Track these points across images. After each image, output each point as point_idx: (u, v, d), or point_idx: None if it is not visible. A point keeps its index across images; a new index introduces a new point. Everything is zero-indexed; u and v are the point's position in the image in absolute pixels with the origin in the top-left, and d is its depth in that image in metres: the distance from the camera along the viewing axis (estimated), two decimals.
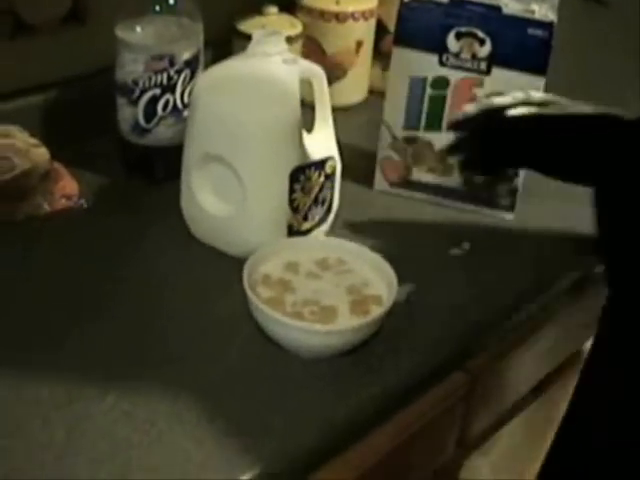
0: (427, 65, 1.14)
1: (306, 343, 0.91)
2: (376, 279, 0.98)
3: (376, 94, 1.42)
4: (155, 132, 1.15)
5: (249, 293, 0.91)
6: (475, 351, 1.04)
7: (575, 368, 1.35)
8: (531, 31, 1.09)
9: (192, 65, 1.13)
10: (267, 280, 0.96)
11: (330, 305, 0.93)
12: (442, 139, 1.17)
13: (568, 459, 1.02)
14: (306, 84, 1.04)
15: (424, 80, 1.15)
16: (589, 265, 1.20)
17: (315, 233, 1.08)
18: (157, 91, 1.12)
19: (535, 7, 1.12)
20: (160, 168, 1.17)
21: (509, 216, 1.20)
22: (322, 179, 1.05)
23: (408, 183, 1.22)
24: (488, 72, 1.13)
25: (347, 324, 0.92)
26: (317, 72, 1.05)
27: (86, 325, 0.95)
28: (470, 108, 1.05)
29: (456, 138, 1.06)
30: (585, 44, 1.40)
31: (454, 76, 1.14)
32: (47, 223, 1.10)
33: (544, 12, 1.11)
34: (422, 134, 1.18)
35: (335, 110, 1.11)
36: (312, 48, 1.36)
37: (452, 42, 1.12)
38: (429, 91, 1.15)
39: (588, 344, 1.35)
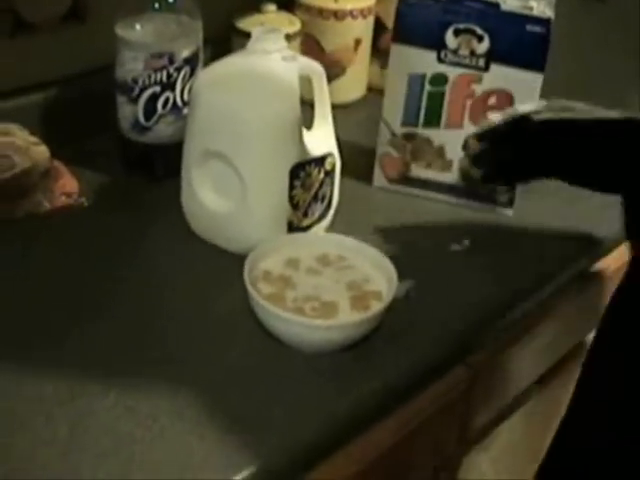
0: (425, 62, 1.14)
1: (307, 338, 0.92)
2: (376, 275, 0.98)
3: (374, 92, 1.43)
4: (155, 130, 1.15)
5: (250, 289, 0.92)
6: (475, 346, 1.05)
7: (575, 363, 1.36)
8: (529, 28, 1.10)
9: (191, 63, 1.14)
10: (268, 276, 0.96)
11: (331, 301, 0.94)
12: (441, 135, 1.18)
13: (567, 458, 1.03)
14: (305, 82, 1.05)
15: (423, 77, 1.15)
16: (587, 261, 1.21)
17: (315, 229, 1.09)
18: (157, 89, 1.13)
19: (533, 4, 1.13)
20: (160, 165, 1.17)
21: (508, 212, 1.21)
22: (322, 175, 1.06)
23: (407, 179, 1.22)
24: (486, 68, 1.13)
25: (348, 319, 0.92)
26: (316, 69, 1.06)
27: (86, 323, 0.95)
28: (495, 118, 1.06)
29: (482, 148, 1.07)
30: (582, 40, 1.40)
31: (452, 73, 1.14)
32: (47, 221, 1.10)
33: (542, 9, 1.12)
34: (421, 130, 1.18)
35: (334, 107, 1.11)
36: (310, 46, 1.37)
37: (450, 39, 1.12)
38: (428, 88, 1.16)
39: (588, 338, 1.36)
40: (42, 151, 1.11)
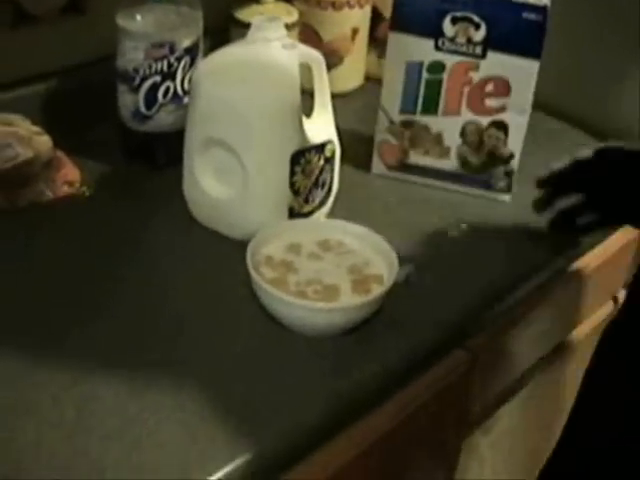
0: (423, 50, 1.15)
1: (310, 322, 0.93)
2: (377, 259, 0.99)
3: (372, 81, 1.43)
4: (156, 119, 1.16)
5: (253, 273, 0.93)
6: (474, 330, 1.06)
7: (574, 348, 1.37)
8: (525, 15, 1.10)
9: (192, 52, 1.14)
10: (270, 261, 0.97)
11: (332, 284, 0.95)
12: (438, 123, 1.19)
13: (570, 459, 1.04)
14: (304, 71, 1.05)
15: (420, 65, 1.16)
16: (585, 246, 1.22)
17: (316, 215, 1.09)
18: (157, 78, 1.13)
19: None
20: (161, 154, 1.18)
21: (506, 198, 1.22)
22: (322, 162, 1.07)
23: (405, 166, 1.23)
24: (483, 56, 1.14)
25: (350, 302, 0.93)
26: (316, 57, 1.06)
27: (90, 313, 0.95)
28: (556, 165, 1.09)
29: (546, 193, 1.10)
30: (577, 32, 1.41)
31: (450, 60, 1.15)
32: (49, 210, 1.10)
33: None
34: (419, 118, 1.19)
35: (332, 96, 1.11)
36: (308, 35, 1.37)
37: (448, 27, 1.13)
38: (425, 75, 1.16)
39: (587, 327, 1.37)
40: (45, 141, 1.12)
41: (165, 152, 1.17)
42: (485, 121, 1.17)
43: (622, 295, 1.43)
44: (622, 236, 1.30)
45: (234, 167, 1.02)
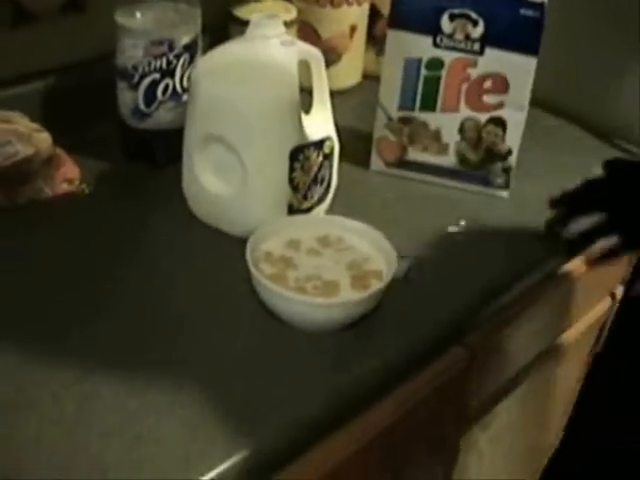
0: (421, 47, 1.15)
1: (309, 317, 0.93)
2: (376, 255, 1.00)
3: (370, 78, 1.43)
4: (155, 116, 1.16)
5: (252, 269, 0.93)
6: (473, 326, 1.06)
7: (572, 344, 1.37)
8: (523, 11, 1.11)
9: (191, 50, 1.15)
10: (269, 257, 0.97)
11: (332, 280, 0.95)
12: (437, 119, 1.19)
13: (572, 459, 1.04)
14: (303, 69, 1.05)
15: (419, 61, 1.16)
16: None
17: (315, 212, 1.10)
18: (157, 76, 1.14)
19: None
20: (161, 152, 1.18)
21: (504, 194, 1.22)
22: (321, 159, 1.07)
23: (404, 163, 1.23)
24: (481, 52, 1.14)
25: (349, 297, 0.93)
26: (315, 54, 1.06)
27: (89, 311, 0.95)
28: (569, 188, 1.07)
29: (560, 213, 1.09)
30: (574, 29, 1.41)
31: (448, 57, 1.15)
32: (48, 208, 1.10)
33: None
34: (417, 114, 1.19)
35: (330, 94, 1.12)
36: (307, 33, 1.38)
37: (446, 24, 1.13)
38: (424, 72, 1.17)
39: (584, 324, 1.38)
40: (44, 138, 1.12)
41: (164, 149, 1.17)
42: (483, 118, 1.18)
43: (620, 291, 1.44)
44: None
45: (233, 164, 1.02)
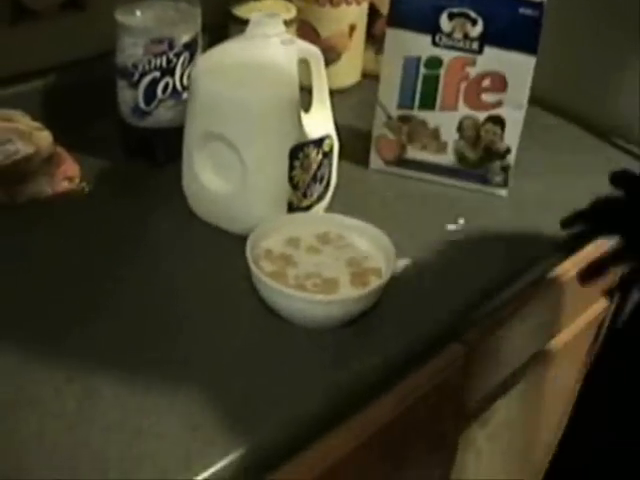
0: (420, 45, 1.16)
1: (309, 314, 0.93)
2: (375, 252, 1.00)
3: (369, 77, 1.44)
4: (155, 114, 1.17)
5: (252, 267, 0.93)
6: (472, 323, 1.06)
7: (570, 342, 1.38)
8: (522, 10, 1.11)
9: (191, 48, 1.15)
10: (269, 255, 0.98)
11: (332, 277, 0.96)
12: (436, 118, 1.20)
13: (572, 460, 1.04)
14: (302, 67, 1.06)
15: (418, 60, 1.17)
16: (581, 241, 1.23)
17: (315, 210, 1.10)
18: (157, 74, 1.14)
19: None
20: (161, 150, 1.19)
21: (503, 192, 1.22)
22: (320, 157, 1.07)
23: (403, 161, 1.24)
24: (480, 51, 1.14)
25: (348, 294, 0.94)
26: (314, 52, 1.07)
27: (90, 309, 0.96)
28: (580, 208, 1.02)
29: (578, 232, 1.03)
30: (573, 28, 1.41)
31: (447, 56, 1.16)
32: (49, 206, 1.10)
33: None
34: (416, 113, 1.20)
35: (330, 92, 1.12)
36: (306, 32, 1.38)
37: (445, 22, 1.14)
38: (423, 71, 1.17)
39: (583, 321, 1.38)
40: (45, 136, 1.12)
41: (164, 148, 1.18)
42: (482, 116, 1.18)
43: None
44: None
45: (233, 162, 1.02)
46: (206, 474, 0.78)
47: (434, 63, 1.16)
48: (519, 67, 1.14)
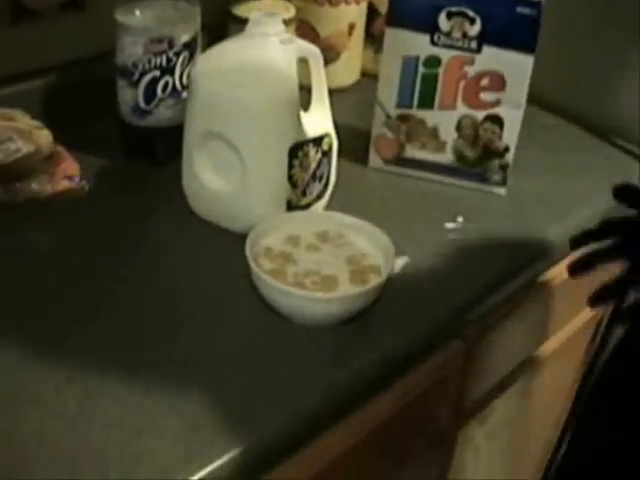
0: (419, 45, 1.16)
1: (308, 311, 0.94)
2: (374, 251, 1.00)
3: (368, 76, 1.44)
4: (155, 113, 1.17)
5: (252, 264, 0.94)
6: (471, 321, 1.07)
7: (570, 339, 1.38)
8: (520, 10, 1.11)
9: (190, 47, 1.15)
10: (269, 252, 0.98)
11: (331, 275, 0.96)
12: (434, 117, 1.20)
13: (576, 460, 1.04)
14: (302, 66, 1.06)
15: (416, 59, 1.17)
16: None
17: (313, 208, 1.11)
18: (156, 73, 1.14)
19: None
20: (160, 149, 1.19)
21: (501, 191, 1.23)
22: (319, 155, 1.08)
23: (402, 160, 1.24)
24: (479, 50, 1.15)
25: (348, 292, 0.94)
26: (314, 51, 1.07)
27: (90, 308, 0.96)
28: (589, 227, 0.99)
29: (584, 254, 0.98)
30: (573, 27, 1.41)
31: (446, 55, 1.16)
32: (49, 205, 1.10)
33: None
34: (415, 112, 1.20)
35: (329, 92, 1.12)
36: (305, 31, 1.38)
37: (443, 22, 1.14)
38: (421, 70, 1.17)
39: (582, 319, 1.38)
40: (45, 135, 1.13)
41: (164, 147, 1.18)
42: (480, 115, 1.18)
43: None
44: None
45: (233, 160, 1.03)
46: (206, 472, 0.79)
47: (433, 62, 1.17)
48: (517, 66, 1.14)
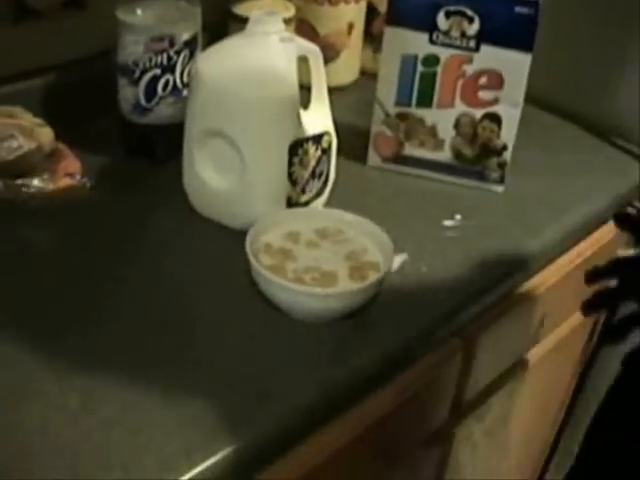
0: (418, 43, 1.17)
1: (307, 307, 0.94)
2: (373, 247, 1.01)
3: (367, 75, 1.45)
4: (155, 111, 1.17)
5: (252, 260, 0.94)
6: (469, 318, 1.07)
7: (569, 337, 1.39)
8: (518, 9, 1.12)
9: (191, 46, 1.16)
10: (268, 249, 0.99)
11: (330, 271, 0.97)
12: (433, 115, 1.21)
13: (593, 463, 1.04)
14: (301, 64, 1.07)
15: (415, 58, 1.18)
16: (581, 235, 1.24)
17: (313, 205, 1.11)
18: (157, 71, 1.15)
19: None
20: (161, 147, 1.20)
21: (499, 189, 1.23)
22: (319, 153, 1.08)
23: (400, 158, 1.25)
24: (477, 49, 1.15)
25: (347, 287, 0.95)
26: (313, 50, 1.07)
27: (90, 307, 0.96)
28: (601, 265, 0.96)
29: (595, 293, 0.96)
30: (571, 26, 1.42)
31: (444, 54, 1.17)
32: (50, 202, 1.11)
33: None
34: (414, 110, 1.21)
35: (328, 90, 1.12)
36: (305, 30, 1.39)
37: (442, 21, 1.15)
38: (420, 68, 1.18)
39: (581, 318, 1.38)
40: (47, 132, 1.13)
41: (165, 146, 1.19)
42: (479, 113, 1.19)
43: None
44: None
45: (233, 158, 1.03)
46: (205, 466, 0.79)
47: (431, 61, 1.17)
48: (515, 65, 1.15)
